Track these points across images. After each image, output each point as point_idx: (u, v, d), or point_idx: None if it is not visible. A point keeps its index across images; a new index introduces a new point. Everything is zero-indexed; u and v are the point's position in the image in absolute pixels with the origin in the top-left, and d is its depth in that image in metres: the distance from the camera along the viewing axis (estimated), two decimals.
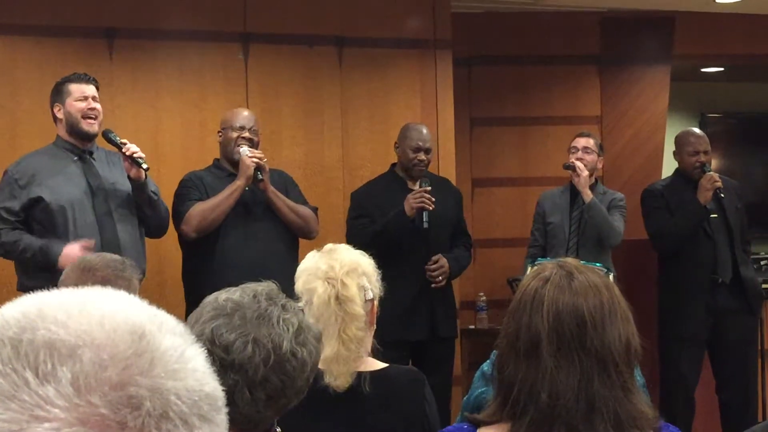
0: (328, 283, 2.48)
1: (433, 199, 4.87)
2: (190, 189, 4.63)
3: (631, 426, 1.74)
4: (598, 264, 1.99)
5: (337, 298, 2.47)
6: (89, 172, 4.26)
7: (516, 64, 6.52)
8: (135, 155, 4.18)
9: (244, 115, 4.74)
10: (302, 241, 4.69)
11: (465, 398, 2.82)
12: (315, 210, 4.79)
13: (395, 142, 5.18)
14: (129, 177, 4.23)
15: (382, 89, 5.71)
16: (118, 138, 4.27)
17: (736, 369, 5.35)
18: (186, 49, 5.37)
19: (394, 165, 5.20)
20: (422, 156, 5.05)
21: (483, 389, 2.70)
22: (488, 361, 2.75)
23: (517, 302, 1.81)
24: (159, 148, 5.23)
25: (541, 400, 1.71)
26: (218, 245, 4.52)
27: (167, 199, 4.60)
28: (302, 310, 2.47)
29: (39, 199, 4.14)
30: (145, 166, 4.19)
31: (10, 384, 0.65)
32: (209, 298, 1.78)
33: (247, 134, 4.64)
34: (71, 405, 0.65)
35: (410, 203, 4.87)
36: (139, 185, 4.24)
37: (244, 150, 4.55)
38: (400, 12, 5.78)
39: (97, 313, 0.70)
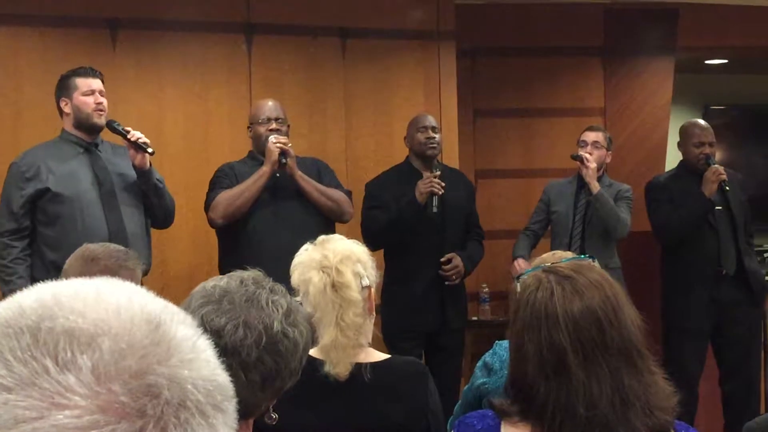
0: (323, 271, 2.48)
1: (443, 184, 4.91)
2: (220, 178, 4.69)
3: (660, 410, 1.75)
4: (582, 256, 1.98)
5: (333, 285, 2.47)
6: (95, 163, 4.28)
7: (519, 55, 6.50)
8: (140, 141, 4.23)
9: (268, 107, 4.79)
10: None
11: (466, 387, 2.82)
12: (348, 193, 4.82)
13: (404, 137, 5.23)
14: (134, 165, 4.26)
15: (386, 80, 5.70)
16: (121, 126, 4.30)
17: (739, 361, 5.35)
18: (189, 40, 5.36)
19: (408, 157, 5.23)
20: (430, 133, 5.10)
21: (485, 380, 2.70)
22: (490, 351, 2.75)
23: (528, 320, 1.79)
24: (162, 138, 5.22)
25: (578, 413, 1.71)
26: (248, 232, 4.56)
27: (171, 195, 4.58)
28: (292, 295, 2.49)
29: (45, 191, 4.15)
30: (150, 150, 4.24)
31: (30, 371, 0.65)
32: (197, 288, 1.80)
33: (274, 125, 4.70)
34: (92, 393, 0.65)
35: (420, 189, 4.91)
36: (144, 173, 4.27)
37: (270, 137, 4.61)
38: (403, 3, 5.77)
39: (114, 303, 0.70)
